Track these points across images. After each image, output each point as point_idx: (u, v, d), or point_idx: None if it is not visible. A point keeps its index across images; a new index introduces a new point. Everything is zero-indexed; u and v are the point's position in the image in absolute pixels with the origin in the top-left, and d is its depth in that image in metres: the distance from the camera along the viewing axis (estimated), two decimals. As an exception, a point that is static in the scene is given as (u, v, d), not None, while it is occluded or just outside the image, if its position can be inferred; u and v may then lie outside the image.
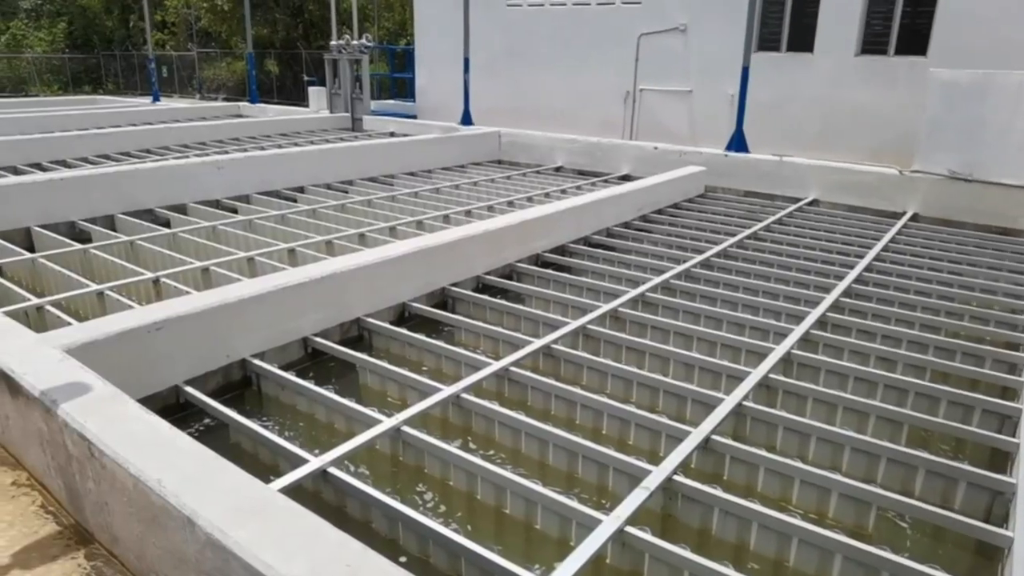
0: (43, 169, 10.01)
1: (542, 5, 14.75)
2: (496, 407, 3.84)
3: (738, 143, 10.62)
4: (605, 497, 3.42)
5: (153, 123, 14.38)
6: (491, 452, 3.75)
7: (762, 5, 11.74)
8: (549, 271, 6.37)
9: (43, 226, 6.85)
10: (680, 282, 6.11)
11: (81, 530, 3.23)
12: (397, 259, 5.38)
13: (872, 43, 11.50)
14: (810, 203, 9.53)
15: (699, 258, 6.72)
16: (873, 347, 4.81)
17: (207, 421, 3.93)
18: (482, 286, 6.08)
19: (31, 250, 6.36)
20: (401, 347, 4.90)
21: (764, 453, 3.50)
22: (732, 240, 7.40)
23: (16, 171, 9.80)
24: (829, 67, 11.84)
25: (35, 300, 4.84)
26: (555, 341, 4.67)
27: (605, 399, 4.03)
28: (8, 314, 4.05)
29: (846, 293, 5.85)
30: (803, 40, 12.11)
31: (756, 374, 4.23)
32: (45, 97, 26.42)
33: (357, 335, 5.05)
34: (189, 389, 3.92)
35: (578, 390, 4.13)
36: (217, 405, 3.75)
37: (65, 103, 20.41)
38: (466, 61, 13.90)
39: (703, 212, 9.07)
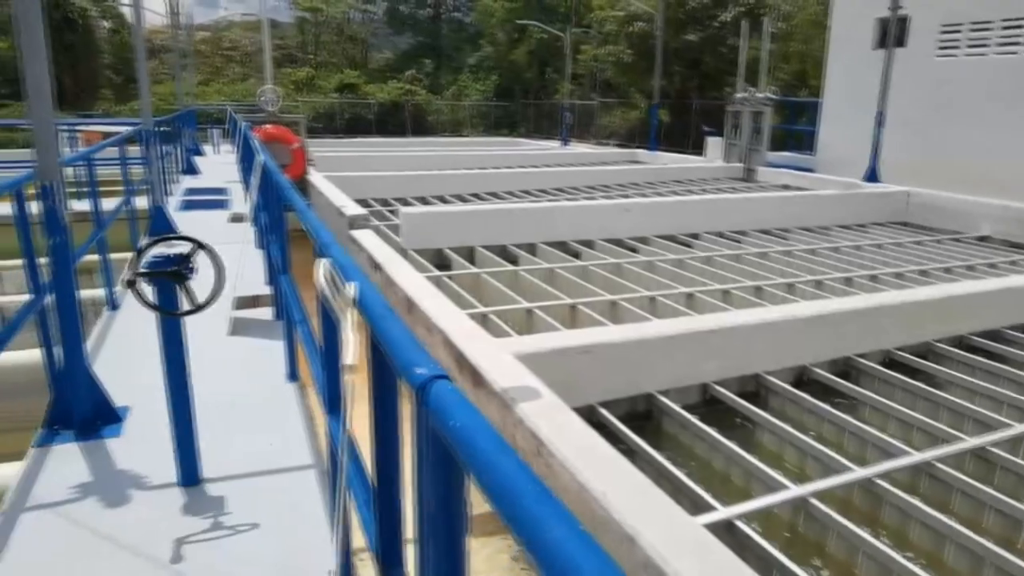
0: (480, 199, 11.94)
1: (984, 54, 13.01)
2: (915, 502, 3.49)
3: None
4: (1057, 643, 2.87)
5: (563, 165, 16.15)
6: (907, 552, 3.40)
7: None
8: (978, 358, 5.54)
9: (483, 246, 8.15)
10: None
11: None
12: (801, 320, 5.22)
13: None
14: None
15: None
16: None
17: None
18: (891, 362, 5.55)
19: (474, 265, 7.67)
20: (799, 411, 4.72)
21: None
22: None
23: (461, 199, 11.84)
24: None
25: (482, 308, 5.79)
26: (992, 444, 4.05)
27: (1059, 525, 3.39)
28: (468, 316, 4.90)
29: None
30: None
31: None
32: (475, 137, 31.53)
33: (754, 391, 5.00)
34: (603, 411, 4.31)
35: (1020, 506, 3.53)
36: (629, 432, 4.05)
37: (495, 144, 24.08)
38: (880, 115, 12.91)
39: None
